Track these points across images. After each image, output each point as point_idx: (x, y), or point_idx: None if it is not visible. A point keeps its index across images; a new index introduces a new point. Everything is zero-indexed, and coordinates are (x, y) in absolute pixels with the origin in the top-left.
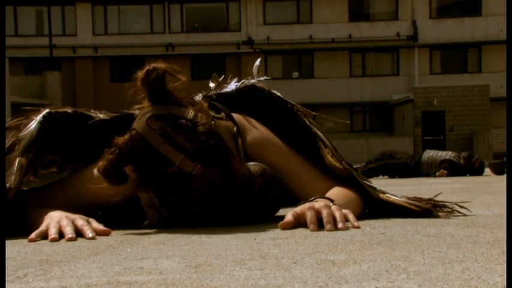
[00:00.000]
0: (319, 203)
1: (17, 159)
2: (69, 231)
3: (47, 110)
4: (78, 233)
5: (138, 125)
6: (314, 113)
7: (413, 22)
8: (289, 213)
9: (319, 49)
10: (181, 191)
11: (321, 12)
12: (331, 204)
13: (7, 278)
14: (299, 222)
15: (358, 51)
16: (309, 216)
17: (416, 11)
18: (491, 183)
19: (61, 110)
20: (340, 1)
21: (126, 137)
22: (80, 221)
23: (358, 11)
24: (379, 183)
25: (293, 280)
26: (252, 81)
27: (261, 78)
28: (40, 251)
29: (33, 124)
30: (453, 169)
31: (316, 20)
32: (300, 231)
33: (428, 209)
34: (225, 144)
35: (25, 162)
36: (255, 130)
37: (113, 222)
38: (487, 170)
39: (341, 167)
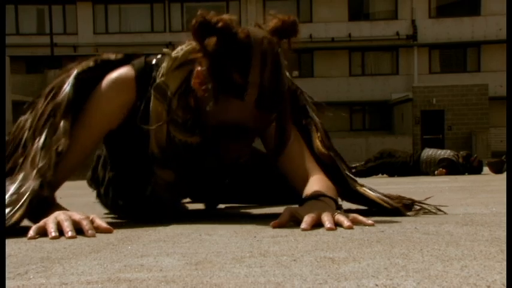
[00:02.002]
0: (324, 211)
1: (61, 123)
2: (67, 227)
3: (76, 71)
4: (79, 231)
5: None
6: (318, 102)
7: (413, 21)
8: (286, 211)
9: (318, 48)
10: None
11: (321, 11)
12: (336, 214)
13: (8, 275)
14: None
15: (358, 50)
16: (309, 219)
17: (415, 10)
18: (490, 181)
19: (85, 66)
20: (340, 0)
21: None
22: (77, 215)
23: (358, 11)
24: (379, 181)
25: (293, 277)
26: None
27: None
28: (41, 248)
29: (67, 87)
30: (452, 168)
31: (316, 19)
32: (299, 230)
33: (397, 208)
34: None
35: (68, 126)
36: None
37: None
38: (486, 169)
39: (326, 153)
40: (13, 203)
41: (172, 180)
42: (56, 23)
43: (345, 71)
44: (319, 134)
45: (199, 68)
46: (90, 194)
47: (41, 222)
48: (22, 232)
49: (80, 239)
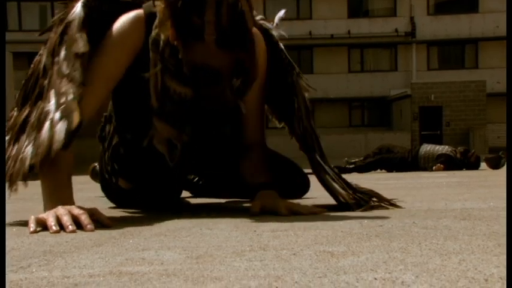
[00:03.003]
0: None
1: (78, 35)
2: (67, 221)
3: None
4: (80, 225)
5: None
6: (308, 85)
7: (411, 18)
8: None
9: (318, 45)
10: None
11: (320, 8)
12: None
13: (11, 269)
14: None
15: (357, 47)
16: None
17: (414, 7)
18: (487, 177)
19: None
20: None
21: None
22: (76, 210)
23: (357, 8)
24: (378, 176)
25: (292, 271)
26: (269, 25)
27: (277, 29)
28: (43, 242)
29: (77, 8)
30: (449, 163)
31: (316, 16)
32: (299, 224)
33: (348, 203)
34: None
35: (85, 38)
36: (262, 59)
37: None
38: (483, 165)
39: (299, 133)
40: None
41: (171, 136)
42: None
43: (344, 67)
44: (300, 114)
45: (168, 21)
46: (93, 189)
47: (41, 216)
48: (24, 226)
49: (82, 233)
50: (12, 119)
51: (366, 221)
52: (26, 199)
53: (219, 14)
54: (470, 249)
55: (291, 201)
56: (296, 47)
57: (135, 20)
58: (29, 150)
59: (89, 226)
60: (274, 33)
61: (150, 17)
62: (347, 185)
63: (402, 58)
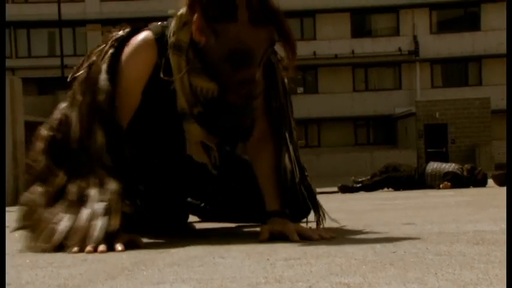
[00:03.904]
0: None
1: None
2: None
3: (106, 65)
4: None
5: None
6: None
7: (414, 37)
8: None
9: (322, 65)
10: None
11: (324, 28)
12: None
13: None
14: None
15: (361, 66)
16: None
17: (416, 26)
18: (495, 195)
19: (109, 54)
20: (343, 18)
21: None
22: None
23: (360, 27)
24: (387, 196)
25: None
26: None
27: None
28: (58, 275)
29: (102, 81)
30: (456, 181)
31: (319, 36)
32: (311, 250)
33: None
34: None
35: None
36: None
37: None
38: (490, 181)
39: (275, 106)
40: (107, 212)
41: (205, 138)
42: (66, 45)
43: (349, 86)
44: (277, 90)
45: (194, 17)
46: None
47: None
48: (38, 257)
49: (96, 264)
50: (38, 167)
51: (378, 246)
52: None
53: None
54: (488, 279)
55: (301, 225)
56: (301, 67)
57: (146, 42)
58: (63, 226)
59: (120, 248)
60: None
61: (159, 35)
62: (300, 173)
63: (406, 76)
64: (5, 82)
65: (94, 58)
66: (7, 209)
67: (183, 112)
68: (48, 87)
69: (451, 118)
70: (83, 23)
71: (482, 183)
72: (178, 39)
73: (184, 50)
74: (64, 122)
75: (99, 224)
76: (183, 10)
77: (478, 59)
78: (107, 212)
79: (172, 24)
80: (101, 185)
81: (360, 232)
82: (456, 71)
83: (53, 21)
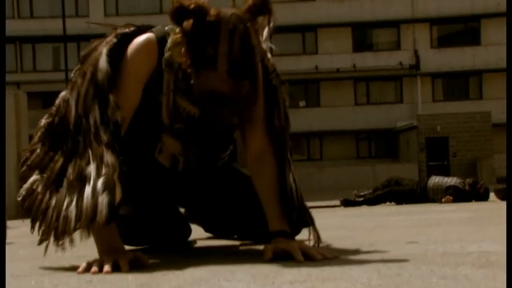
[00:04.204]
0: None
1: (111, 97)
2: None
3: (106, 49)
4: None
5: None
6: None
7: (415, 51)
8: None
9: (324, 79)
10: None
11: (326, 43)
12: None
13: None
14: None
15: (363, 80)
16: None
17: (417, 40)
18: (498, 210)
19: (111, 43)
20: (344, 32)
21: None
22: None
23: (362, 42)
24: (389, 210)
25: None
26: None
27: (266, 41)
28: None
29: (103, 64)
30: (458, 195)
31: (321, 50)
32: (316, 273)
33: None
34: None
35: (116, 99)
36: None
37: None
38: (492, 195)
39: (278, 125)
40: (106, 185)
41: (177, 152)
42: (71, 59)
43: (350, 100)
44: (280, 111)
45: (183, 49)
46: None
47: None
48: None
49: (101, 284)
50: (35, 156)
51: (382, 268)
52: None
53: (231, 47)
54: None
55: (304, 242)
56: (302, 81)
57: (148, 43)
58: (72, 211)
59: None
60: (264, 45)
61: (161, 38)
62: (299, 199)
63: (407, 90)
64: (5, 96)
65: (96, 43)
66: (9, 223)
67: (164, 124)
68: (53, 101)
69: (453, 132)
70: (87, 37)
71: (484, 197)
72: (172, 55)
73: (175, 70)
74: (62, 106)
75: (105, 201)
76: (178, 30)
77: (479, 73)
78: (108, 186)
79: (169, 40)
80: (101, 161)
81: (364, 252)
82: (457, 85)
83: (58, 36)
